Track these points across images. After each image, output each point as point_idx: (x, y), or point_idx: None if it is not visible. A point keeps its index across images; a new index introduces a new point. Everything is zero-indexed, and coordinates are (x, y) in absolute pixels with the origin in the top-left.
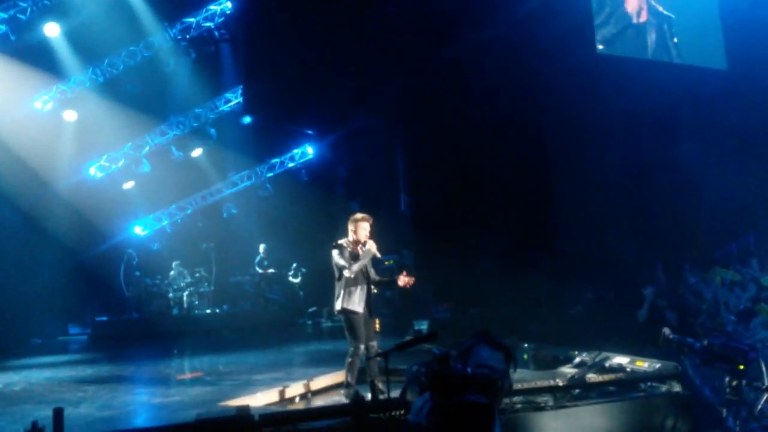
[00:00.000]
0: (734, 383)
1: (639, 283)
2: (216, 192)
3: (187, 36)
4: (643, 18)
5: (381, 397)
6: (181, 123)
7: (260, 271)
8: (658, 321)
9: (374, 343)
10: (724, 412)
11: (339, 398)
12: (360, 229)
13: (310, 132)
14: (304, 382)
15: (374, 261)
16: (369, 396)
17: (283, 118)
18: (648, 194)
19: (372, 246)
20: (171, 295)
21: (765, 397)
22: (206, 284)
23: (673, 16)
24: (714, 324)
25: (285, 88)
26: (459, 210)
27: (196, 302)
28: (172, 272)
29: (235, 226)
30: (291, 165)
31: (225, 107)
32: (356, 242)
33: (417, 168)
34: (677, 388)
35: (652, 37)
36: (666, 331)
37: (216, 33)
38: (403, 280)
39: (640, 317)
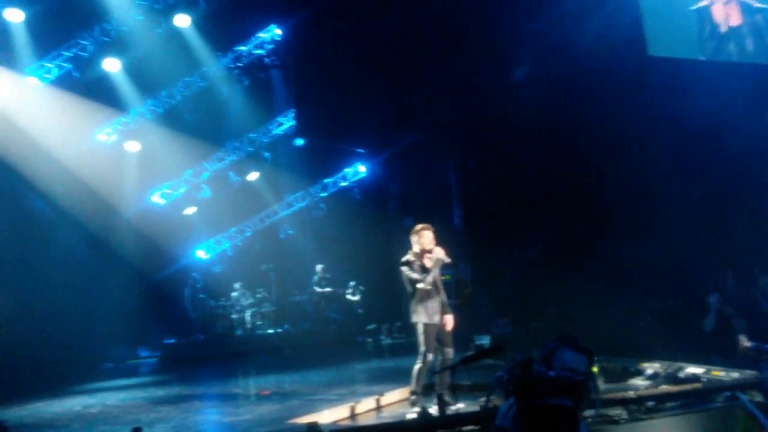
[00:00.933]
0: None
1: (705, 290)
2: (273, 214)
3: (239, 64)
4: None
5: (449, 410)
6: (237, 148)
7: (318, 290)
8: (725, 330)
9: (450, 350)
10: None
11: (406, 411)
12: (423, 239)
13: (361, 151)
14: (374, 397)
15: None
16: (436, 409)
17: (334, 139)
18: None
19: (440, 252)
20: (234, 316)
21: None
22: (267, 304)
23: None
24: None
25: (335, 109)
26: (512, 222)
27: (259, 322)
28: (234, 293)
29: (292, 247)
30: (344, 184)
31: (278, 130)
32: (422, 253)
33: (469, 181)
34: (759, 397)
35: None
36: (743, 338)
37: (266, 60)
38: (448, 322)
39: (706, 327)
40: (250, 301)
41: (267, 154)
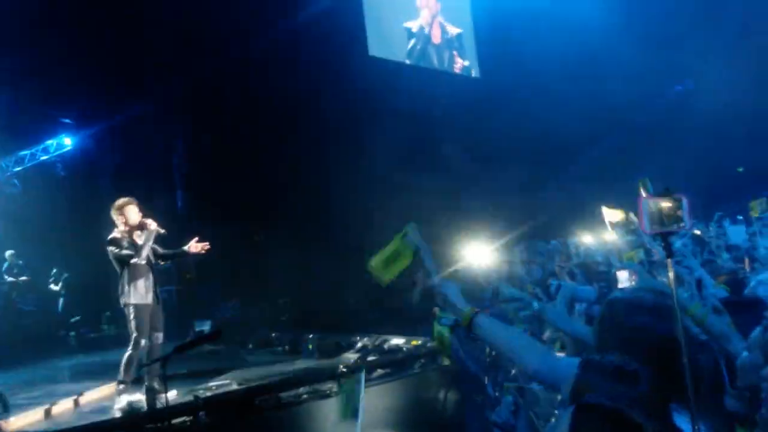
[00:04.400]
0: (492, 352)
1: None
2: None
3: None
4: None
5: (159, 401)
6: None
7: (10, 279)
8: (430, 301)
9: (160, 334)
10: (486, 379)
11: (113, 405)
12: (129, 213)
13: (67, 120)
14: (74, 396)
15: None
16: (144, 402)
17: (33, 102)
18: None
19: (152, 223)
20: None
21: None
22: None
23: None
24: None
25: (35, 65)
26: (243, 206)
27: None
28: None
29: None
30: (44, 158)
31: None
32: (131, 229)
33: (195, 164)
34: (447, 362)
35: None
36: (436, 309)
37: None
38: (195, 246)
39: (413, 300)
40: None
41: None
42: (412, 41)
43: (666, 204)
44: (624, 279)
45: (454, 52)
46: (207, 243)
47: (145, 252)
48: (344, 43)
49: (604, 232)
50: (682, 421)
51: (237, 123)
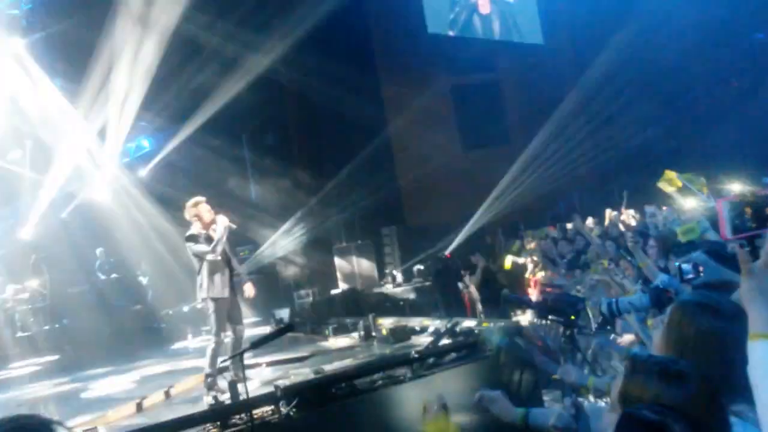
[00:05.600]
0: (568, 332)
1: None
2: None
3: None
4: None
5: (242, 393)
6: None
7: (102, 277)
8: (492, 283)
9: (241, 326)
10: (562, 359)
11: (202, 396)
12: (202, 212)
13: (144, 123)
14: (164, 389)
15: (232, 243)
16: (228, 395)
17: None
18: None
19: (224, 219)
20: None
21: (594, 342)
22: (40, 299)
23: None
24: (546, 279)
25: None
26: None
27: (32, 319)
28: None
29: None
30: (126, 160)
31: None
32: (206, 225)
33: (265, 157)
34: (521, 342)
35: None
36: (505, 292)
37: None
38: (245, 290)
39: (474, 282)
40: (18, 297)
41: None
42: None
43: (750, 202)
44: (689, 272)
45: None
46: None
47: (220, 248)
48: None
49: (686, 197)
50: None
51: (299, 120)
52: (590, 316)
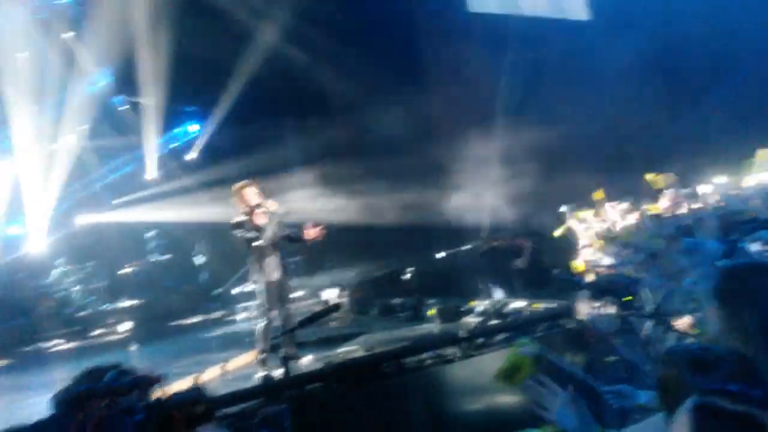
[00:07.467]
0: (622, 314)
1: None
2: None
3: None
4: None
5: (295, 367)
6: None
7: (153, 258)
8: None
9: (291, 305)
10: (616, 341)
11: (256, 372)
12: (248, 195)
13: (190, 109)
14: (220, 365)
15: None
16: (281, 371)
17: None
18: None
19: (272, 205)
20: (59, 294)
21: (649, 324)
22: (96, 278)
23: None
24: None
25: None
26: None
27: (92, 298)
28: (56, 270)
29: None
30: (174, 145)
31: None
32: (251, 211)
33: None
34: (572, 324)
35: None
36: (556, 272)
37: None
38: (309, 233)
39: (521, 265)
40: (76, 276)
41: None
42: None
43: None
44: (755, 249)
45: None
46: (323, 226)
47: (270, 233)
48: None
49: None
50: None
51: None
52: (648, 297)
